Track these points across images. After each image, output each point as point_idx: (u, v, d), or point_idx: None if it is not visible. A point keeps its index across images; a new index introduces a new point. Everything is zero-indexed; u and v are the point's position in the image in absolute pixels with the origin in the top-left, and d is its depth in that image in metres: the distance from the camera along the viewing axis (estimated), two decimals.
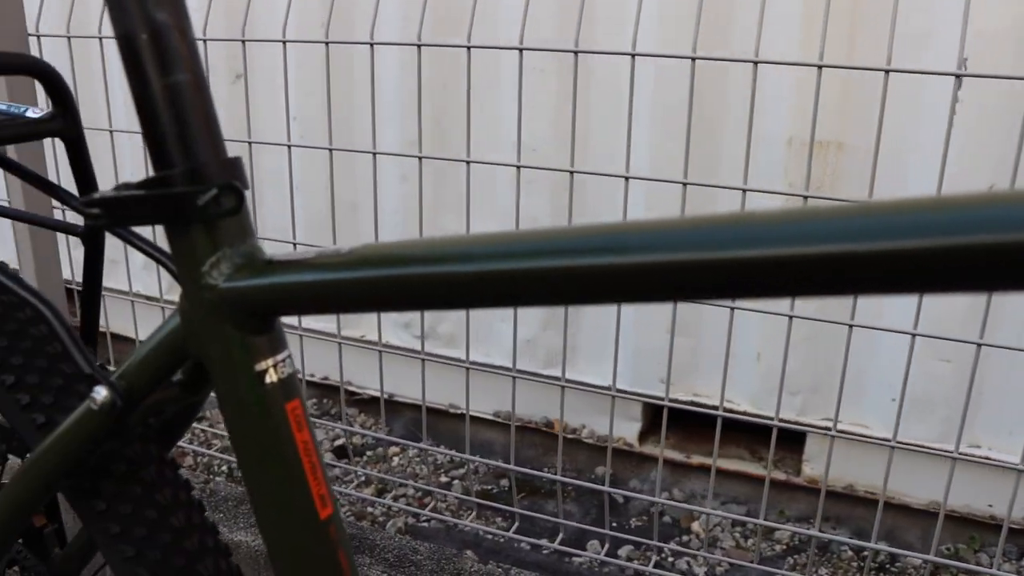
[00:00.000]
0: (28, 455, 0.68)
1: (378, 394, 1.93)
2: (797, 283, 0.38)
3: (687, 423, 1.88)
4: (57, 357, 0.69)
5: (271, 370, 0.54)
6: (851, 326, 1.11)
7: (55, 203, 1.46)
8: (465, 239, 0.46)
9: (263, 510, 0.57)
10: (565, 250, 0.42)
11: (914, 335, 1.06)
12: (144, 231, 0.78)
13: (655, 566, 1.59)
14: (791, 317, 1.15)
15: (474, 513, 1.69)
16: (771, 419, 1.30)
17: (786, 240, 0.37)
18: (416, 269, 0.47)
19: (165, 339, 0.58)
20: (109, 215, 0.54)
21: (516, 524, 1.61)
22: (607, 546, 1.59)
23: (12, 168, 0.75)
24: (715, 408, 1.30)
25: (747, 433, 1.84)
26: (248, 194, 0.55)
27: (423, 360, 1.47)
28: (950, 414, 1.63)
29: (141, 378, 0.59)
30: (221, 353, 0.54)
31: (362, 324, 2.02)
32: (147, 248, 0.68)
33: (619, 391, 1.43)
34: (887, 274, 0.35)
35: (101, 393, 0.59)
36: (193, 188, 0.52)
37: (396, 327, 2.01)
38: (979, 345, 1.04)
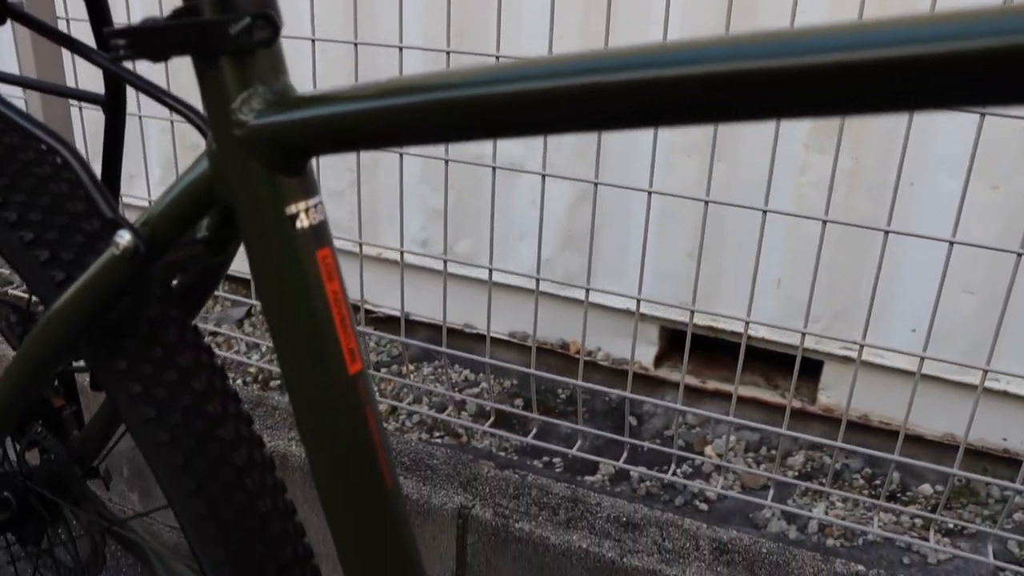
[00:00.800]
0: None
1: (393, 312, 1.92)
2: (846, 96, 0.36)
3: (703, 349, 1.87)
4: (78, 215, 0.67)
5: (302, 214, 0.52)
6: (887, 232, 1.08)
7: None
8: (503, 64, 0.44)
9: (289, 363, 0.55)
10: (602, 68, 0.40)
11: (952, 243, 1.03)
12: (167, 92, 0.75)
13: (669, 484, 1.59)
14: (825, 221, 1.12)
15: (492, 419, 1.68)
16: (794, 345, 1.28)
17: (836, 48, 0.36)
18: (454, 93, 0.44)
19: (191, 184, 0.56)
20: (133, 46, 0.52)
21: (534, 431, 1.60)
22: (625, 454, 1.58)
23: (28, 22, 0.72)
24: (736, 333, 1.28)
25: (762, 361, 1.83)
26: (282, 31, 0.53)
27: (444, 262, 1.45)
28: (969, 348, 1.61)
29: (165, 223, 0.57)
30: (250, 195, 0.52)
31: (378, 242, 2.00)
32: (171, 101, 0.65)
33: (641, 310, 1.41)
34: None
35: (124, 237, 0.57)
36: (224, 16, 0.50)
37: (413, 244, 1.99)
38: (1019, 255, 1.01)
